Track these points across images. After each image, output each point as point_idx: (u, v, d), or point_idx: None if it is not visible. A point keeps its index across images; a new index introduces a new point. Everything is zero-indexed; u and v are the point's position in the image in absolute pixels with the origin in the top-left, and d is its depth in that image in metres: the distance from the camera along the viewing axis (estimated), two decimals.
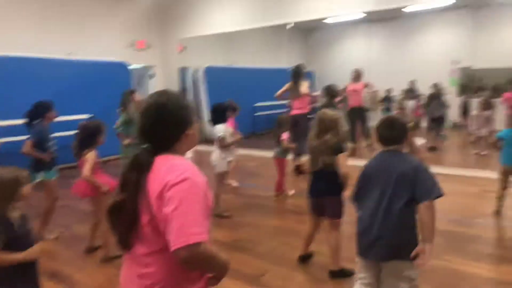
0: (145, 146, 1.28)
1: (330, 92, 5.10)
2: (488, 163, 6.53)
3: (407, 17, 9.72)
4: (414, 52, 9.57)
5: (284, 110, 8.63)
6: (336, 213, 2.91)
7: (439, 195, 1.95)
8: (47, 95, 5.49)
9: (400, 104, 7.86)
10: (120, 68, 8.33)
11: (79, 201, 5.07)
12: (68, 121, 6.69)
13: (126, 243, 1.26)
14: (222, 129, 4.29)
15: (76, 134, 3.40)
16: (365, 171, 2.19)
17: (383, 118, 2.24)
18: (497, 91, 7.88)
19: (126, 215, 1.23)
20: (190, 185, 1.18)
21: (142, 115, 1.29)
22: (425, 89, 8.46)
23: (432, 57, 9.10)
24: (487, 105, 6.88)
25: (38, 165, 3.82)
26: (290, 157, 5.23)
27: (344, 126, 3.07)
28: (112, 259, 3.37)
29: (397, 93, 9.00)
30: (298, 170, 5.89)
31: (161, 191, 1.18)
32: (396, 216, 1.99)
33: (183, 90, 9.77)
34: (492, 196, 4.94)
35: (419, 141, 3.77)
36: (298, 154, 5.80)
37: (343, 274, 2.92)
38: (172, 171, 1.20)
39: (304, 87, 5.79)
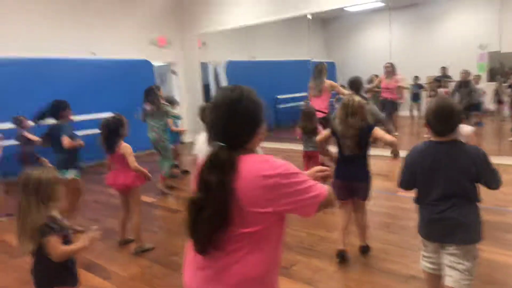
0: (220, 143, 1.22)
1: (355, 85, 5.01)
2: None
3: (428, 3, 9.45)
4: (437, 38, 9.30)
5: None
6: (367, 196, 3.08)
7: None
8: (72, 95, 5.66)
9: (431, 90, 7.65)
10: (144, 66, 8.48)
11: (109, 196, 5.24)
12: (94, 119, 6.89)
13: (207, 247, 1.19)
14: None
15: (100, 131, 3.51)
16: (418, 160, 2.11)
17: (436, 107, 2.06)
18: None
19: (212, 218, 1.16)
20: (288, 175, 1.20)
21: (218, 111, 1.24)
22: (453, 76, 8.27)
23: (458, 43, 8.82)
24: None
25: (68, 163, 3.94)
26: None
27: (376, 114, 3.10)
28: (144, 251, 3.50)
29: (422, 81, 8.82)
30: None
31: (261, 186, 1.17)
32: (465, 203, 2.02)
33: (206, 85, 9.85)
34: None
35: (466, 128, 3.56)
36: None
37: (369, 249, 3.19)
38: (266, 167, 1.19)
39: (326, 84, 5.77)
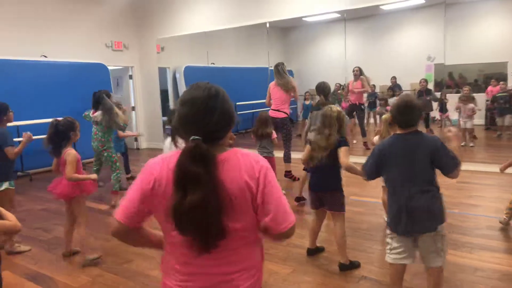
0: (196, 137, 1.17)
1: (323, 91, 4.95)
2: (470, 155, 6.76)
3: (382, 15, 9.89)
4: (390, 49, 9.76)
5: (267, 108, 8.71)
6: (338, 207, 3.03)
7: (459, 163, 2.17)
8: (22, 98, 5.38)
9: (384, 100, 8.00)
10: (99, 69, 8.23)
11: (59, 204, 5.02)
12: (45, 124, 6.59)
13: (212, 241, 1.17)
14: None
15: (48, 132, 3.26)
16: (387, 150, 2.24)
17: (400, 102, 2.27)
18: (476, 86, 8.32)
19: (214, 209, 1.13)
20: (271, 172, 1.24)
21: (194, 106, 1.20)
22: (403, 86, 8.70)
23: (408, 54, 9.31)
24: (470, 99, 7.29)
25: (5, 174, 3.57)
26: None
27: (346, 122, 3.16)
28: (92, 261, 3.33)
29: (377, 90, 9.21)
30: (290, 175, 5.84)
31: (248, 178, 1.18)
32: (427, 191, 2.17)
33: (164, 91, 9.71)
34: (468, 187, 5.11)
35: None
36: (286, 158, 5.82)
37: (352, 266, 3.03)
38: (255, 158, 1.22)
39: (292, 83, 5.69)
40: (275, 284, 2.89)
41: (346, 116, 4.69)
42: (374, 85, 8.97)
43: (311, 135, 3.06)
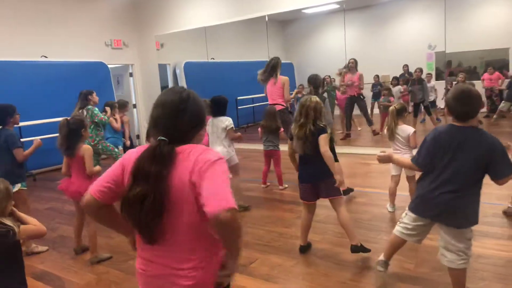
0: (162, 138, 1.26)
1: (314, 83, 5.02)
2: None
3: (381, 4, 9.84)
4: (390, 39, 9.70)
5: (267, 102, 8.69)
6: (335, 191, 3.01)
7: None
8: (24, 99, 5.41)
9: (387, 90, 7.97)
10: (100, 68, 8.24)
11: (63, 203, 5.06)
12: (48, 124, 6.62)
13: (152, 235, 1.26)
14: (229, 120, 4.21)
15: (59, 133, 3.29)
16: (440, 140, 2.16)
17: (458, 92, 2.15)
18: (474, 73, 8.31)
19: (153, 206, 1.21)
20: (221, 164, 1.24)
21: (165, 109, 1.30)
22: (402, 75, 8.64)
23: (409, 43, 9.25)
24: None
25: (18, 175, 3.59)
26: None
27: (327, 112, 3.14)
28: (100, 261, 3.35)
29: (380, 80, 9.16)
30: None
31: (193, 168, 1.22)
32: (469, 190, 2.12)
33: (165, 87, 9.71)
34: None
35: (408, 129, 3.81)
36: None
37: (363, 249, 3.00)
38: (204, 154, 1.25)
39: (282, 79, 5.69)
40: (279, 276, 2.91)
41: (327, 106, 4.71)
42: (378, 75, 8.92)
43: (294, 127, 3.04)
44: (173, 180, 1.23)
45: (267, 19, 8.00)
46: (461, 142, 2.09)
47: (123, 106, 6.14)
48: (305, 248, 3.24)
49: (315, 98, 3.01)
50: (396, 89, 8.21)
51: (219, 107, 4.23)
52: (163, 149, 1.24)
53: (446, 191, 2.13)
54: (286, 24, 11.01)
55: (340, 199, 3.03)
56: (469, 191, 2.14)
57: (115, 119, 5.59)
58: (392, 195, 3.96)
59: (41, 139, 3.87)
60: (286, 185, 5.08)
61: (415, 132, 3.76)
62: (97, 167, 3.38)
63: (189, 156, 1.25)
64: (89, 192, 1.36)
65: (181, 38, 9.33)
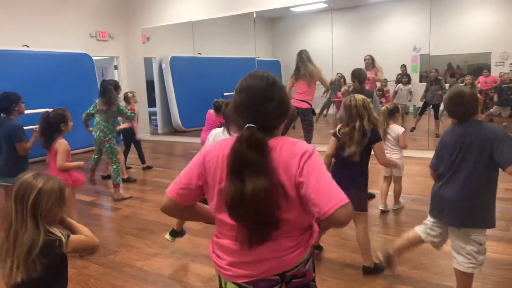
0: (251, 125, 1.17)
1: (358, 77, 4.50)
2: None
3: (368, 5, 9.92)
4: (376, 39, 9.80)
5: None
6: (362, 206, 2.74)
7: None
8: (4, 89, 5.24)
9: (380, 91, 8.02)
10: (84, 59, 8.09)
11: None
12: (30, 115, 6.46)
13: (269, 232, 1.16)
14: None
15: (39, 125, 3.26)
16: (444, 139, 2.21)
17: (451, 94, 2.17)
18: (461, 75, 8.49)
19: (270, 200, 1.12)
20: (317, 155, 1.19)
21: (252, 93, 1.21)
22: (389, 77, 8.73)
23: (394, 45, 9.36)
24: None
25: (23, 168, 3.46)
26: None
27: (376, 111, 2.86)
28: (82, 256, 3.27)
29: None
30: None
31: (292, 163, 1.15)
32: (479, 187, 2.10)
33: (150, 81, 9.60)
34: None
35: (398, 129, 3.85)
36: None
37: (376, 270, 2.78)
38: (298, 146, 1.18)
39: (316, 70, 5.31)
40: None
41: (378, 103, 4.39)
42: (386, 79, 8.91)
43: (339, 127, 2.76)
44: (276, 169, 1.15)
45: (255, 16, 7.99)
46: (463, 139, 2.10)
47: (131, 98, 5.92)
48: (316, 249, 3.10)
49: (359, 96, 2.71)
50: (406, 89, 8.30)
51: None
52: (258, 136, 1.15)
53: (451, 189, 2.14)
54: (274, 21, 11.02)
55: (364, 216, 2.79)
56: (478, 190, 2.09)
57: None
58: (384, 194, 4.00)
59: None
60: None
61: (404, 132, 3.82)
62: (75, 163, 3.29)
63: (282, 147, 1.18)
64: (167, 195, 1.27)
65: (167, 32, 9.24)
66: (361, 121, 2.62)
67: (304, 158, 1.15)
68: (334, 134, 2.78)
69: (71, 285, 2.85)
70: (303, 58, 5.40)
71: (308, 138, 5.38)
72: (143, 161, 6.24)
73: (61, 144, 3.21)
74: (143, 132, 9.01)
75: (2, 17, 7.15)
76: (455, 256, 2.22)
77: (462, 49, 8.76)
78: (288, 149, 1.18)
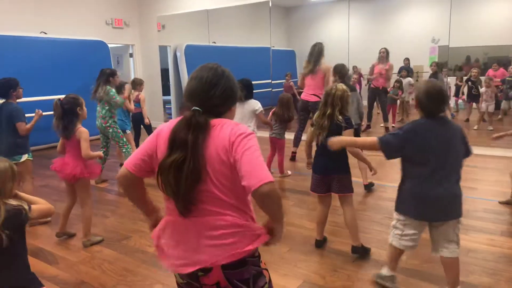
0: (197, 108, 1.31)
1: (340, 72, 4.66)
2: (472, 139, 6.75)
3: None
4: (394, 31, 9.62)
5: (267, 88, 8.64)
6: (346, 188, 2.89)
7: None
8: (21, 75, 5.33)
9: (398, 82, 7.91)
10: (99, 47, 8.15)
11: (59, 181, 5.05)
12: (45, 101, 6.57)
13: (189, 204, 1.29)
14: (259, 104, 4.17)
15: (54, 114, 3.17)
16: (419, 135, 2.15)
17: (428, 89, 2.17)
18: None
19: (192, 172, 1.25)
20: (254, 138, 1.30)
21: (201, 81, 1.36)
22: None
23: (412, 36, 9.17)
24: (490, 82, 7.30)
25: (23, 147, 3.73)
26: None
27: (353, 103, 3.01)
28: (93, 244, 3.31)
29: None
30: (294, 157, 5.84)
31: (229, 142, 1.27)
32: (454, 179, 2.18)
33: (164, 69, 9.63)
34: (467, 170, 5.15)
35: None
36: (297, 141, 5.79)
37: (363, 250, 2.93)
38: (236, 128, 1.30)
39: (326, 67, 5.36)
40: (272, 261, 2.93)
41: (358, 97, 4.45)
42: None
43: (315, 116, 2.93)
44: (208, 150, 1.28)
45: (270, 5, 7.91)
46: (447, 135, 2.15)
47: (139, 84, 6.01)
48: (321, 243, 3.12)
49: (341, 86, 2.85)
50: (406, 81, 8.15)
51: (248, 90, 4.20)
52: (198, 118, 1.29)
53: (441, 187, 2.13)
54: (289, 10, 10.90)
55: (350, 197, 2.93)
56: (459, 181, 2.20)
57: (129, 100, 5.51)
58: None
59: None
60: (289, 172, 5.09)
61: None
62: (98, 152, 3.32)
63: (222, 128, 1.30)
64: (124, 166, 1.42)
65: (183, 20, 9.22)
66: (332, 110, 2.79)
67: (241, 137, 1.27)
68: (312, 123, 2.96)
69: (86, 268, 2.94)
70: (315, 52, 5.44)
71: None
72: None
73: (84, 132, 3.15)
74: (157, 120, 9.08)
75: (21, 4, 7.23)
76: (447, 246, 2.25)
77: (483, 40, 8.52)
78: (229, 128, 1.30)
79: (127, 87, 5.42)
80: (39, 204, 1.90)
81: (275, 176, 5.05)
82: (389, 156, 2.23)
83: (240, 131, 1.29)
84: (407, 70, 8.47)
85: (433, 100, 2.14)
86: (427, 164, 2.14)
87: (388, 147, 2.20)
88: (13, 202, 1.76)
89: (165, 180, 1.29)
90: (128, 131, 5.64)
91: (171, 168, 1.27)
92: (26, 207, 1.77)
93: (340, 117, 2.79)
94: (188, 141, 1.26)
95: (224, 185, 1.29)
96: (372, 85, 7.58)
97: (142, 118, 6.04)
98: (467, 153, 2.23)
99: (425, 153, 2.14)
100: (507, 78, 7.74)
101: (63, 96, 3.24)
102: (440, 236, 2.25)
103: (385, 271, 2.50)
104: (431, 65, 7.81)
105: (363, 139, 2.46)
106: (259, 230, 1.37)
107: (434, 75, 7.67)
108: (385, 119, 7.65)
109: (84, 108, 3.27)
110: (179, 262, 1.35)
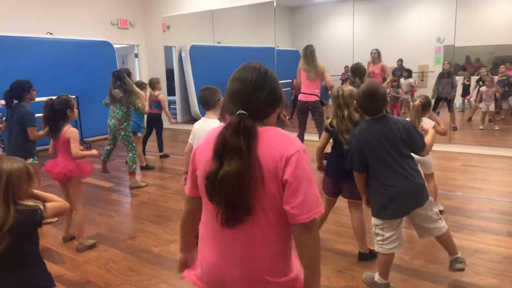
0: (242, 112, 1.21)
1: (358, 72, 4.65)
2: (476, 139, 6.71)
3: None
4: (398, 30, 9.58)
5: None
6: (357, 195, 2.77)
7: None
8: (27, 76, 5.36)
9: (396, 82, 7.90)
10: (105, 47, 8.19)
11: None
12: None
13: (240, 214, 1.19)
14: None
15: (43, 113, 3.14)
16: (363, 140, 2.27)
17: (365, 89, 2.28)
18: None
19: (242, 183, 1.15)
20: (306, 157, 1.20)
21: (244, 82, 1.25)
22: (412, 68, 8.57)
23: (418, 36, 9.12)
24: (491, 82, 7.33)
25: (30, 152, 3.76)
26: None
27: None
28: (88, 248, 3.25)
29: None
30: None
31: (278, 160, 1.16)
32: (412, 170, 2.26)
33: (169, 70, 9.66)
34: (473, 170, 5.10)
35: (428, 122, 3.59)
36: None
37: (371, 255, 2.85)
38: (285, 140, 1.21)
39: (323, 67, 5.41)
40: None
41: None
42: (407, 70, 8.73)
43: (329, 120, 2.85)
44: (260, 157, 1.18)
45: (275, 5, 7.90)
46: (383, 133, 2.23)
47: (157, 83, 5.94)
48: None
49: (347, 87, 2.79)
50: (407, 82, 8.12)
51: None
52: (247, 122, 1.19)
53: (401, 181, 2.22)
54: (294, 10, 10.89)
55: (360, 203, 2.83)
56: (412, 167, 2.28)
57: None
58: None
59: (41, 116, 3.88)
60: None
61: (434, 126, 3.68)
62: (91, 152, 3.25)
63: (273, 138, 1.21)
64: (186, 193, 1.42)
65: (187, 21, 9.24)
66: (348, 110, 2.72)
67: (295, 156, 1.17)
68: (326, 128, 2.87)
69: (92, 268, 2.96)
70: (308, 53, 5.57)
71: (320, 130, 5.37)
72: (161, 149, 6.32)
73: (73, 132, 3.11)
74: (164, 120, 9.11)
75: (28, 5, 7.28)
76: (435, 226, 2.34)
77: (489, 40, 8.46)
78: (278, 141, 1.20)
79: (145, 93, 5.41)
80: (54, 202, 1.86)
81: None
82: (361, 172, 2.37)
83: (295, 144, 1.20)
84: (403, 71, 8.52)
85: (369, 100, 2.25)
86: (374, 165, 2.25)
87: (355, 167, 2.38)
88: (29, 202, 1.70)
89: (217, 191, 1.18)
90: (139, 134, 5.63)
91: (226, 179, 1.16)
92: (41, 206, 1.72)
93: (356, 115, 2.71)
94: (242, 147, 1.16)
95: (268, 198, 1.19)
96: None
97: (158, 119, 6.01)
98: (416, 145, 2.27)
99: (367, 155, 2.25)
100: (499, 78, 7.69)
101: (53, 97, 3.22)
102: (422, 221, 2.34)
103: (377, 278, 2.49)
104: (443, 64, 7.73)
105: (359, 182, 2.46)
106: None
107: (448, 74, 7.58)
108: None
109: (75, 110, 3.23)
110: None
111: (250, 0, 7.91)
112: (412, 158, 2.31)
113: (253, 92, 1.24)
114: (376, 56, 7.21)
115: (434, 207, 2.36)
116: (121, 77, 4.75)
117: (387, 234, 2.31)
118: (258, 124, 1.22)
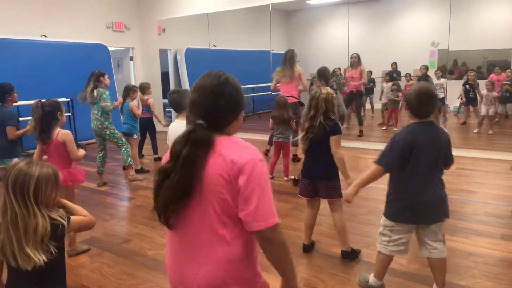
0: (200, 122, 1.22)
1: (323, 76, 4.83)
2: (471, 142, 6.75)
3: None
4: (394, 34, 9.65)
5: (267, 92, 8.64)
6: (335, 193, 2.87)
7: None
8: (22, 78, 5.36)
9: (396, 85, 7.98)
10: (100, 50, 8.16)
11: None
12: None
13: (166, 217, 1.26)
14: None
15: (32, 115, 3.03)
16: (409, 141, 2.15)
17: (418, 90, 2.18)
18: (479, 73, 8.39)
19: (176, 185, 1.20)
20: (261, 165, 1.21)
21: (203, 92, 1.26)
22: (404, 71, 8.62)
23: (412, 39, 9.20)
24: (492, 86, 7.40)
25: (12, 152, 3.78)
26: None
27: (341, 106, 3.03)
28: (79, 253, 3.20)
29: (376, 75, 9.13)
30: (297, 158, 5.83)
31: (231, 169, 1.18)
32: (440, 182, 2.24)
33: (165, 73, 9.64)
34: (468, 174, 5.12)
35: None
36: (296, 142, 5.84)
37: (353, 254, 2.94)
38: (241, 149, 1.22)
39: (298, 70, 5.66)
40: (271, 265, 2.91)
41: (338, 98, 4.61)
42: (371, 71, 8.83)
43: (304, 120, 2.94)
44: (208, 169, 1.20)
45: (271, 8, 7.93)
46: (438, 139, 2.18)
47: (147, 88, 6.01)
48: (308, 248, 3.10)
49: (326, 89, 2.86)
50: (388, 86, 8.18)
51: None
52: (198, 134, 1.20)
53: (430, 191, 2.18)
54: (290, 14, 10.92)
55: (338, 202, 2.90)
56: (441, 183, 2.24)
57: (138, 104, 5.50)
58: None
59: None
60: (293, 176, 5.08)
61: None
62: (81, 151, 3.16)
63: (227, 147, 1.22)
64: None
65: (183, 24, 9.24)
66: (315, 112, 2.79)
67: (249, 165, 1.17)
68: (302, 129, 2.94)
69: (85, 271, 2.93)
70: (287, 58, 5.71)
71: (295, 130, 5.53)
72: (155, 152, 6.32)
73: (67, 134, 3.03)
74: (157, 123, 9.06)
75: (22, 7, 7.25)
76: (436, 246, 2.28)
77: (482, 44, 8.54)
78: (234, 150, 1.21)
79: (119, 99, 5.46)
80: (80, 216, 1.72)
81: (280, 180, 5.05)
82: (390, 168, 2.24)
83: (248, 156, 1.20)
84: (394, 74, 8.59)
85: (419, 102, 2.16)
86: (415, 168, 2.17)
87: (385, 163, 2.21)
88: (53, 214, 1.56)
89: (154, 186, 1.27)
90: (135, 136, 5.63)
91: (159, 175, 1.25)
92: (64, 221, 1.58)
93: (324, 121, 2.77)
94: (181, 155, 1.19)
95: (217, 210, 1.21)
96: (346, 90, 7.67)
97: (149, 123, 6.09)
98: (450, 160, 2.24)
99: (416, 158, 2.17)
100: (502, 83, 7.76)
101: (65, 99, 3.24)
102: (427, 236, 2.28)
103: (372, 281, 2.49)
104: (420, 68, 7.92)
105: (368, 173, 2.31)
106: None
107: (425, 78, 7.73)
108: (360, 123, 7.63)
109: (64, 114, 3.16)
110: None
111: (246, 3, 7.93)
112: (442, 170, 2.25)
113: (211, 102, 1.25)
114: (357, 60, 7.38)
115: (441, 229, 2.30)
116: (90, 78, 4.89)
117: (395, 237, 2.30)
118: (218, 133, 1.24)
